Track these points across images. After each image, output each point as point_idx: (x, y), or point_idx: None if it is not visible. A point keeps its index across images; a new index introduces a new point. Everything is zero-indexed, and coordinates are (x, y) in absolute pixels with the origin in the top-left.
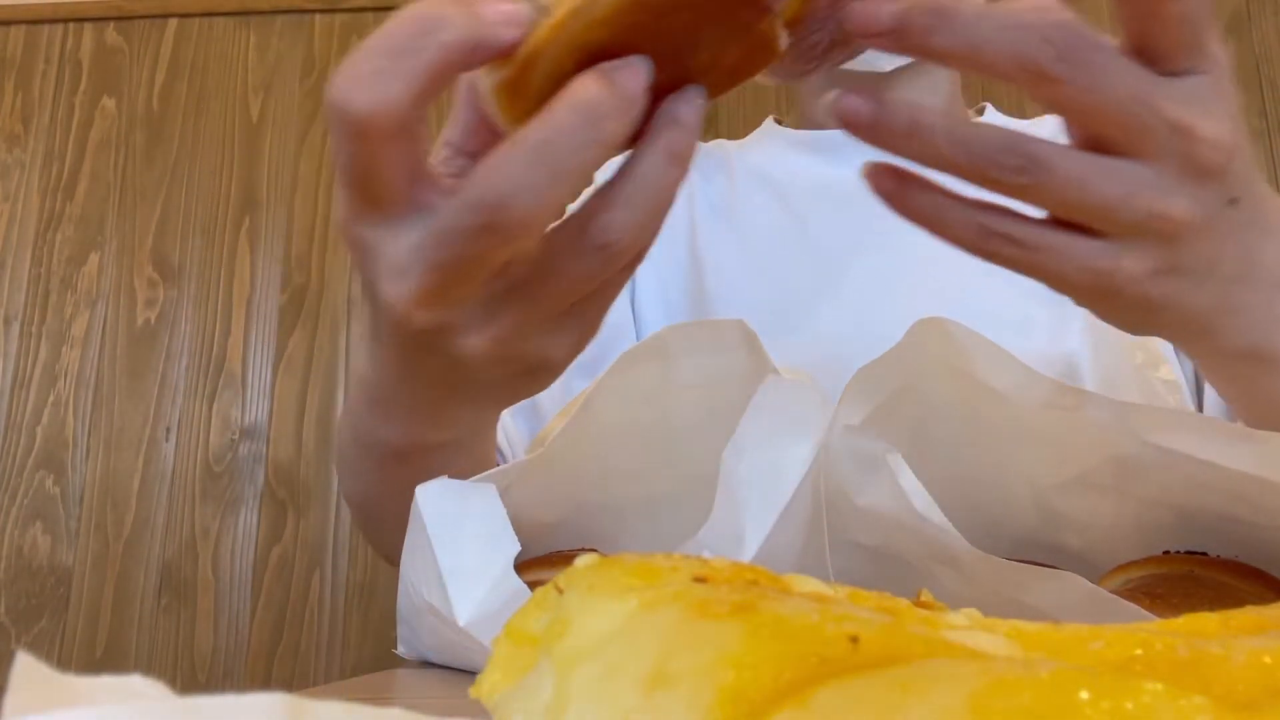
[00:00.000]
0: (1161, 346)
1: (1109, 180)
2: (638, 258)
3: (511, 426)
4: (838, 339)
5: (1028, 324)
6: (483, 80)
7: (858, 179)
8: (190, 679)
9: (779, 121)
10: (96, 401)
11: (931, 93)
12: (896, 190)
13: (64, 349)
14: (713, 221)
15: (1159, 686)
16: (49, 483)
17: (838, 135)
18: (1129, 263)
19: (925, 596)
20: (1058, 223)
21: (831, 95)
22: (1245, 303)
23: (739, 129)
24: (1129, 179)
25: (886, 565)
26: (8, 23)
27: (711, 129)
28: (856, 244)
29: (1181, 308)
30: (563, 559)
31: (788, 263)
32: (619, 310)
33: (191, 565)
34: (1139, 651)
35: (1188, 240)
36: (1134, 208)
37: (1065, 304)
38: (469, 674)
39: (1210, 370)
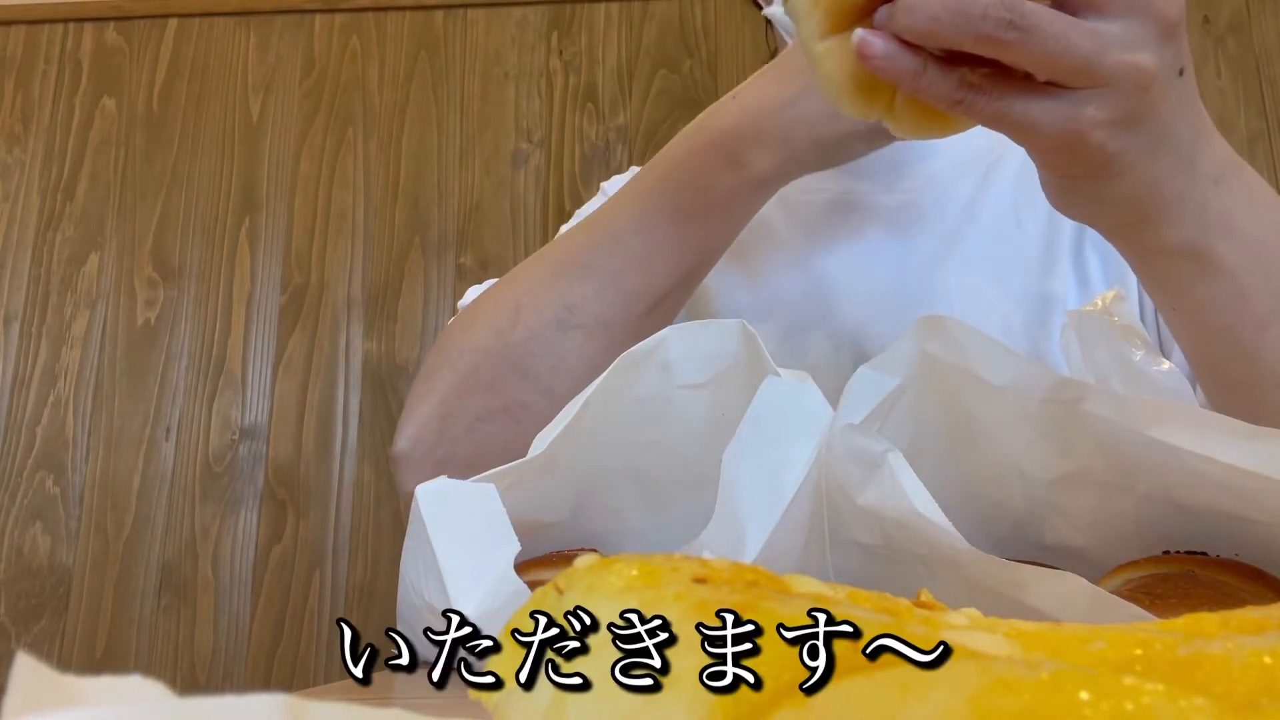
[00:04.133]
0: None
1: (1086, 35)
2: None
3: None
4: (822, 343)
5: (1006, 329)
6: None
7: (834, 189)
8: (190, 679)
9: None
10: (96, 401)
11: None
12: (884, 53)
13: (64, 349)
14: None
15: (1159, 687)
16: (49, 483)
17: None
18: (1093, 110)
19: (925, 596)
20: (1028, 79)
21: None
22: (1186, 193)
23: None
24: (1103, 35)
25: (886, 565)
26: (8, 23)
27: None
28: (832, 250)
29: (1135, 171)
30: (563, 559)
31: (776, 265)
32: None
33: (191, 565)
34: (1139, 651)
35: (1148, 97)
36: (1108, 60)
37: (1046, 310)
38: None
39: (1149, 273)
